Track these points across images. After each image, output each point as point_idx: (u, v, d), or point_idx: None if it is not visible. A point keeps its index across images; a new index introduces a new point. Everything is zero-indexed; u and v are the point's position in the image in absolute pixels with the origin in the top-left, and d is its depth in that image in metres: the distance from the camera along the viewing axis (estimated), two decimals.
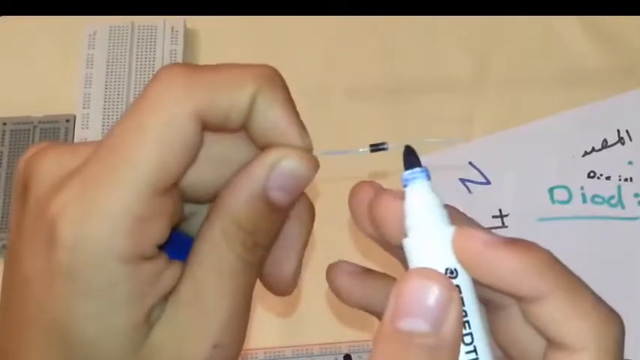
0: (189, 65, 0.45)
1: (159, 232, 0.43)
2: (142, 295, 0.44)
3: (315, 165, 0.46)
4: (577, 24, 1.01)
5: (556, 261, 0.48)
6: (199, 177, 0.46)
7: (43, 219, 0.43)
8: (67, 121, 0.96)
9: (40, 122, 0.96)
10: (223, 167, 0.46)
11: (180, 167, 0.43)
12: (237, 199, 0.45)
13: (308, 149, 0.46)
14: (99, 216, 0.41)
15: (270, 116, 0.44)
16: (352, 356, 0.84)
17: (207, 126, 0.44)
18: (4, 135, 0.95)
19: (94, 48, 0.99)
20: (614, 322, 0.47)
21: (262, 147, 0.45)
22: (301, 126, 0.46)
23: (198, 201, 0.48)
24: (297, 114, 0.46)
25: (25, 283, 0.45)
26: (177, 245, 0.46)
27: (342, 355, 0.84)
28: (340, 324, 0.87)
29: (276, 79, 0.46)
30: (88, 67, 0.98)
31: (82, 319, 0.43)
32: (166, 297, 0.45)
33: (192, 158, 0.44)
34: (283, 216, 0.47)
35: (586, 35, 1.01)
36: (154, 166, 0.42)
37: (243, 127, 0.45)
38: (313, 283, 0.87)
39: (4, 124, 0.95)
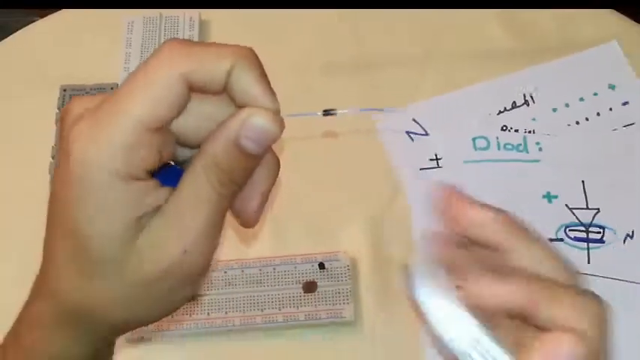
0: (184, 40, 0.45)
1: (147, 159, 0.44)
2: (132, 206, 0.45)
3: (281, 123, 0.46)
4: (495, 16, 1.02)
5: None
6: (190, 127, 0.47)
7: (65, 143, 0.44)
8: (112, 87, 0.97)
9: (91, 88, 0.97)
10: (209, 121, 0.46)
11: (167, 114, 0.44)
12: (216, 144, 0.45)
13: (276, 111, 0.46)
14: (102, 142, 0.43)
15: (245, 83, 0.45)
16: (325, 264, 0.85)
17: (193, 87, 0.44)
18: (64, 98, 0.96)
19: (131, 33, 1.01)
20: (596, 304, 0.48)
21: (240, 107, 0.46)
22: (271, 93, 0.46)
23: (190, 146, 0.48)
24: (268, 84, 0.46)
25: (55, 197, 0.46)
26: (172, 176, 0.47)
27: (318, 263, 0.85)
28: (316, 241, 0.88)
29: (251, 56, 0.46)
30: (127, 48, 1.00)
31: (86, 220, 0.45)
32: (154, 212, 0.46)
33: (178, 108, 0.45)
34: (254, 162, 0.47)
35: (501, 25, 1.02)
36: (146, 110, 0.43)
37: (225, 91, 0.46)
38: (297, 211, 0.91)
39: (65, 90, 0.97)
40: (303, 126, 0.91)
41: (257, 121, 0.45)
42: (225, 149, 0.46)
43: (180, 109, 0.45)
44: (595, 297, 0.48)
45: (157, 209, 0.46)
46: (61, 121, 0.47)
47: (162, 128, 0.45)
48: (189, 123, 0.47)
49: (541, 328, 0.47)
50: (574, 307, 0.47)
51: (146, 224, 0.46)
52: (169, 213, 0.46)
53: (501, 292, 0.48)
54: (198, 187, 0.46)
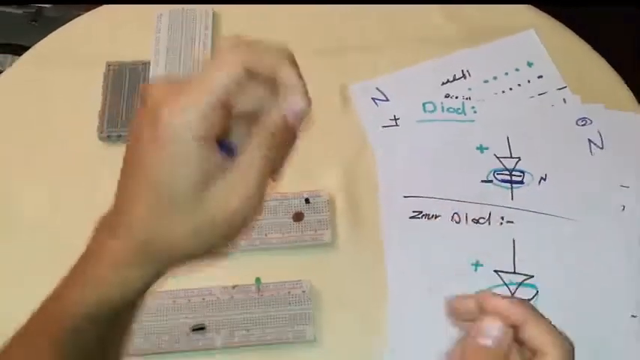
0: (241, 37, 0.48)
1: (217, 127, 0.46)
2: (204, 162, 0.46)
3: (310, 103, 0.49)
4: (438, 9, 1.03)
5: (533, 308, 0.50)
6: (251, 104, 0.49)
7: (154, 111, 0.46)
8: (144, 64, 0.97)
9: (129, 65, 0.97)
10: (259, 100, 0.49)
11: (233, 92, 0.46)
12: (272, 118, 0.48)
13: (308, 96, 0.49)
14: (185, 110, 0.45)
15: (290, 77, 0.48)
16: (309, 199, 0.86)
17: (252, 75, 0.47)
18: (109, 72, 0.96)
19: (160, 22, 1.01)
20: (566, 340, 0.48)
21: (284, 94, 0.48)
22: (304, 84, 0.49)
23: (249, 119, 0.50)
24: (302, 77, 0.49)
25: (140, 149, 0.48)
26: (228, 148, 0.49)
27: (304, 199, 0.86)
28: (303, 182, 0.88)
29: (293, 57, 0.49)
30: (157, 33, 1.00)
31: (168, 168, 0.46)
32: (218, 173, 0.47)
33: (240, 89, 0.47)
34: (293, 134, 0.50)
35: (443, 16, 1.03)
36: (219, 89, 0.46)
37: (271, 80, 0.48)
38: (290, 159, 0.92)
39: (109, 65, 0.97)
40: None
41: (297, 101, 0.48)
42: (278, 121, 0.48)
43: (242, 90, 0.47)
44: (568, 339, 0.49)
45: (220, 170, 0.47)
46: (146, 94, 0.48)
47: (228, 104, 0.47)
48: (250, 102, 0.49)
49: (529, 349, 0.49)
50: (555, 336, 0.48)
51: (216, 180, 0.47)
52: (232, 171, 0.47)
53: (501, 304, 0.49)
54: (254, 152, 0.48)
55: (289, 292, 0.81)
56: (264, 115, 0.49)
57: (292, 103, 0.49)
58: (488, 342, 0.48)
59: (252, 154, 0.48)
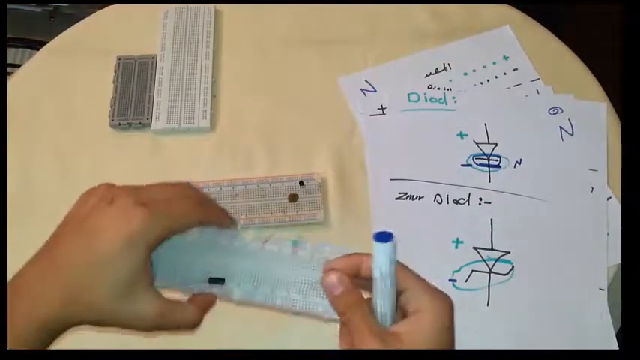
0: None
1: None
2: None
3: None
4: (421, 7, 1.02)
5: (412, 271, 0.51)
6: None
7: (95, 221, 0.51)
8: (152, 58, 0.95)
9: (137, 59, 0.95)
10: None
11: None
12: None
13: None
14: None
15: None
16: (303, 182, 0.84)
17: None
18: (119, 64, 0.95)
19: (166, 20, 0.99)
20: (445, 299, 0.49)
21: None
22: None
23: None
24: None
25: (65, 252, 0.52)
26: None
27: (298, 181, 0.84)
28: (297, 166, 0.87)
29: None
30: (163, 30, 0.98)
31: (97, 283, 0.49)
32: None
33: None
34: None
35: (426, 13, 1.01)
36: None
37: None
38: (285, 145, 0.91)
39: (119, 59, 0.95)
40: (298, 86, 0.90)
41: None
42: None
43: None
44: (446, 296, 0.50)
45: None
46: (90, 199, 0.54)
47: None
48: None
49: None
50: (431, 294, 0.49)
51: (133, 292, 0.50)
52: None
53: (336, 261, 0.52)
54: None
55: None
56: None
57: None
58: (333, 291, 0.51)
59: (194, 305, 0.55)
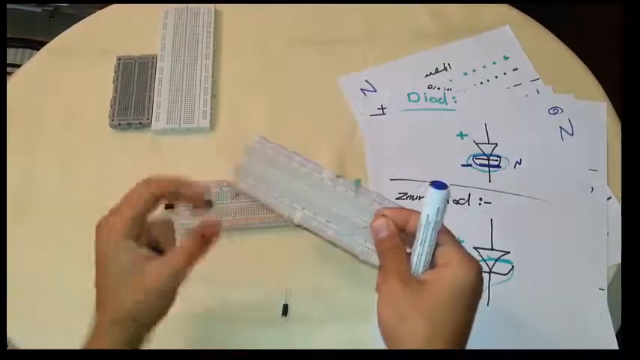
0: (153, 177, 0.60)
1: (138, 229, 0.59)
2: (131, 249, 0.58)
3: (219, 227, 0.62)
4: (421, 7, 1.01)
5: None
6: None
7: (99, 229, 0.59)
8: (153, 58, 0.95)
9: (138, 58, 0.95)
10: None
11: (146, 210, 0.59)
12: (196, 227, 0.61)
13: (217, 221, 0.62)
14: (113, 224, 0.58)
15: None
16: None
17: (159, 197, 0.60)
18: (119, 64, 0.94)
19: (166, 20, 0.99)
20: (474, 262, 0.53)
21: None
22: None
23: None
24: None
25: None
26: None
27: None
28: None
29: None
30: (163, 30, 0.98)
31: (112, 256, 0.58)
32: (151, 258, 0.58)
33: (151, 207, 0.60)
34: (208, 241, 0.61)
35: (426, 14, 1.01)
36: (136, 209, 0.59)
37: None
38: (290, 143, 0.90)
39: (119, 59, 0.95)
40: (298, 86, 0.90)
41: (213, 225, 0.61)
42: (198, 231, 0.60)
43: (152, 207, 0.60)
44: (477, 260, 0.54)
45: (150, 257, 0.58)
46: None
47: (143, 216, 0.59)
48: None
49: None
50: (465, 257, 0.54)
51: (148, 261, 0.57)
52: (166, 255, 0.59)
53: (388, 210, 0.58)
54: (184, 244, 0.59)
55: None
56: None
57: (208, 222, 0.61)
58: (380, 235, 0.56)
59: (183, 245, 0.59)
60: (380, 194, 0.74)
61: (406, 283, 0.52)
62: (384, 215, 0.57)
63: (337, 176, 0.75)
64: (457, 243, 0.55)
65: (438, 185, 0.52)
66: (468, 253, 0.54)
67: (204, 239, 0.59)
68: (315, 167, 0.76)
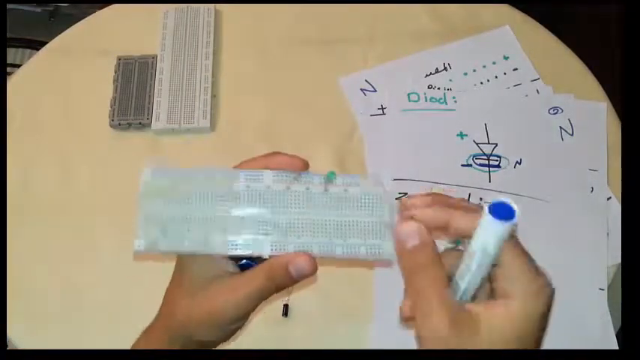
0: None
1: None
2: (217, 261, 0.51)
3: (314, 268, 0.47)
4: (422, 7, 1.01)
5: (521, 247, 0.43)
6: None
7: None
8: (153, 58, 0.95)
9: (138, 58, 0.95)
10: None
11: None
12: (281, 262, 0.48)
13: (314, 263, 0.48)
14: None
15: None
16: None
17: None
18: (119, 64, 0.94)
19: (166, 20, 0.99)
20: (544, 286, 0.42)
21: None
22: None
23: None
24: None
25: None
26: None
27: None
28: None
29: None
30: (163, 30, 0.98)
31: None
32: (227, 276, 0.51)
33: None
34: (291, 282, 0.49)
35: (426, 13, 1.01)
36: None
37: None
38: (291, 144, 0.91)
39: (120, 59, 0.95)
40: (298, 86, 0.90)
41: (305, 267, 0.47)
42: (285, 270, 0.47)
43: None
44: (548, 281, 0.42)
45: (227, 274, 0.50)
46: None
47: None
48: None
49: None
50: (532, 281, 0.42)
51: (219, 279, 0.50)
52: (234, 279, 0.49)
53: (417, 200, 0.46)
54: (257, 273, 0.48)
55: None
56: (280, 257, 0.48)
57: (299, 264, 0.47)
58: (407, 244, 0.42)
59: (256, 274, 0.48)
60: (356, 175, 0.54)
61: (457, 323, 0.40)
62: (412, 217, 0.43)
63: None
64: (522, 258, 0.42)
65: (502, 211, 0.38)
66: (537, 271, 0.42)
67: (289, 275, 0.48)
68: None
